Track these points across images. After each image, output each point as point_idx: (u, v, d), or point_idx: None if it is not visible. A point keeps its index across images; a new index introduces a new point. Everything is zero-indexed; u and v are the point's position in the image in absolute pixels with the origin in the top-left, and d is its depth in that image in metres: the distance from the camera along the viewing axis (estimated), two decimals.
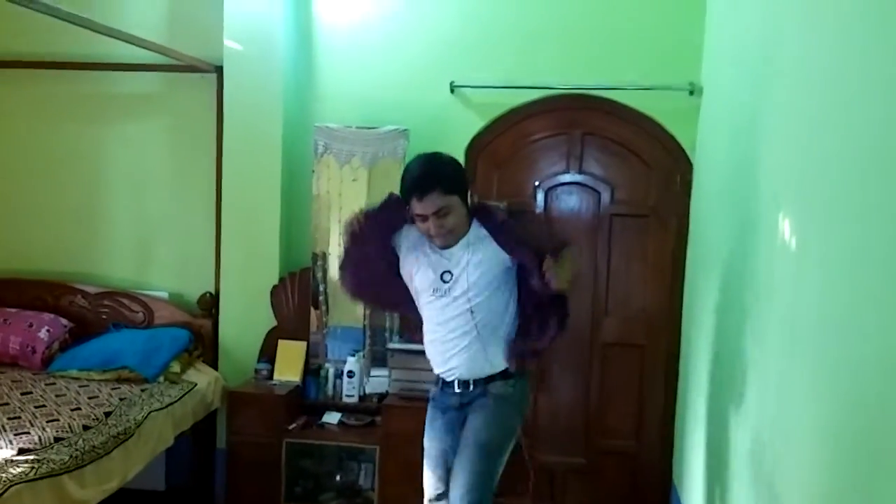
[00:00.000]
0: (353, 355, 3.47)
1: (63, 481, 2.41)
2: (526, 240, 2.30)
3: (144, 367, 3.33)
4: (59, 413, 2.83)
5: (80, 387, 3.19)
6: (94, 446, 2.62)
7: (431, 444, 2.46)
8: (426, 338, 2.44)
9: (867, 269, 1.30)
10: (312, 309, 3.55)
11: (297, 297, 3.56)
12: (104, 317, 3.72)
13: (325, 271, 3.54)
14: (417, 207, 2.23)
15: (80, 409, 2.90)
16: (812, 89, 1.70)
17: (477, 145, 3.52)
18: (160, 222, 3.82)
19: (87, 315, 3.73)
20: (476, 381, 2.35)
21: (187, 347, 3.53)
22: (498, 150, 3.54)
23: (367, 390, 3.49)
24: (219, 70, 3.57)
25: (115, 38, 2.97)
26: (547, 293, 2.22)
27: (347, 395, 3.48)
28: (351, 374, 3.46)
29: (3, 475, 2.24)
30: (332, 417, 3.46)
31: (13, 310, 3.64)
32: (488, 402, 2.34)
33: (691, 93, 3.26)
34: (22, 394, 3.05)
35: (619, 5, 3.39)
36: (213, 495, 3.64)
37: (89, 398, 3.04)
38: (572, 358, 3.52)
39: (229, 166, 3.57)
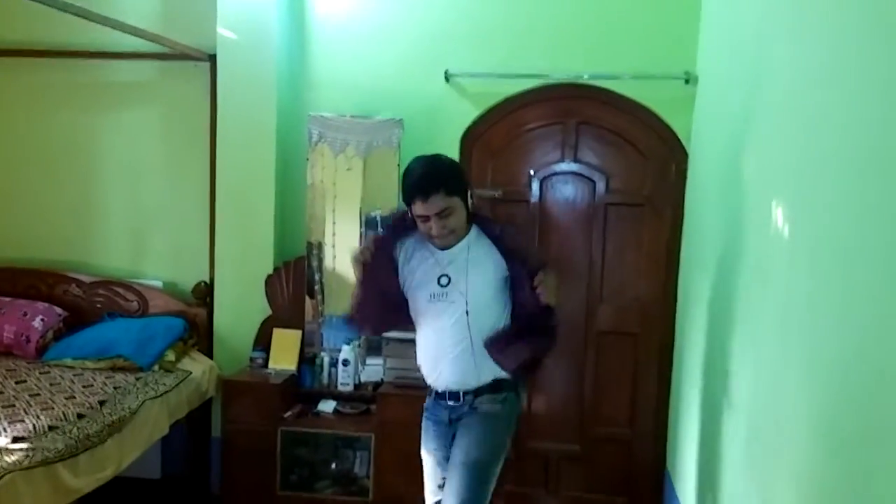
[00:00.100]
0: (349, 344, 3.48)
1: (57, 469, 2.42)
2: (519, 250, 2.30)
3: (139, 356, 3.33)
4: (53, 401, 2.83)
5: (74, 375, 3.19)
6: (88, 435, 2.62)
7: (428, 454, 2.47)
8: (419, 345, 2.43)
9: (857, 258, 1.31)
10: (307, 298, 3.55)
11: (291, 285, 3.56)
12: (99, 306, 3.72)
13: (320, 260, 3.54)
14: (420, 208, 2.22)
15: (74, 397, 2.90)
16: (807, 78, 1.70)
17: (472, 134, 3.51)
18: (154, 211, 3.81)
19: (81, 304, 3.72)
20: (465, 394, 2.33)
21: (182, 336, 3.53)
22: (493, 139, 3.53)
23: (363, 379, 3.50)
24: (212, 58, 3.55)
25: (108, 26, 2.96)
26: (536, 306, 2.22)
27: (342, 384, 3.49)
28: (346, 362, 3.47)
29: None
30: (327, 406, 3.47)
31: (7, 298, 3.63)
32: (476, 420, 2.32)
33: (686, 81, 3.26)
34: (16, 382, 3.06)
35: None
36: (208, 483, 3.65)
37: (84, 387, 3.05)
38: (567, 346, 3.52)
39: (223, 155, 3.56)
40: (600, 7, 3.38)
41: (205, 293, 3.66)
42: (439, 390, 2.39)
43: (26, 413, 2.68)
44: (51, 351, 3.44)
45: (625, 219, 3.48)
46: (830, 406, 1.40)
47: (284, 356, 3.53)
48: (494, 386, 2.33)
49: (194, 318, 3.64)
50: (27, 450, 2.38)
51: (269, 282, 3.58)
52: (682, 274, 3.38)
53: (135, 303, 3.70)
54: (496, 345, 2.28)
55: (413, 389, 3.27)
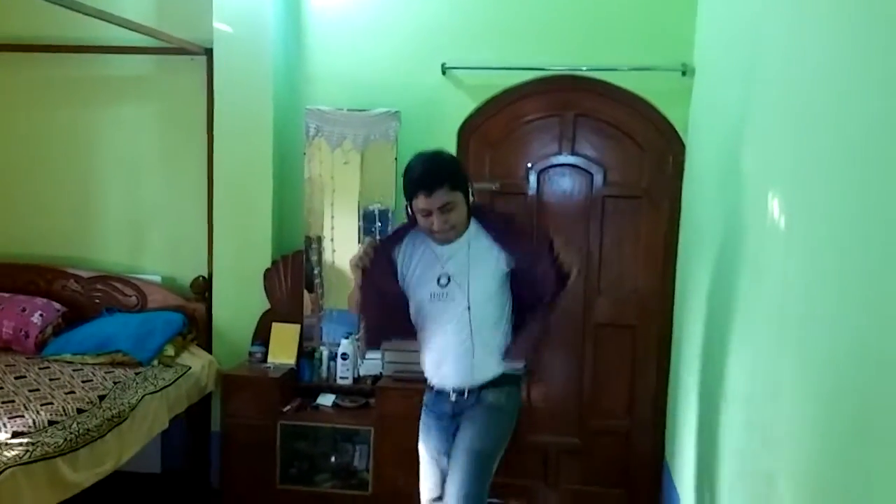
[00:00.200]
0: (347, 338, 3.48)
1: (57, 464, 2.42)
2: (525, 231, 2.34)
3: (138, 351, 3.34)
4: (53, 397, 2.84)
5: (73, 371, 3.19)
6: (88, 429, 2.63)
7: (427, 448, 2.48)
8: (422, 345, 2.44)
9: (854, 249, 1.31)
10: (306, 292, 3.55)
11: (290, 280, 3.56)
12: (97, 301, 3.72)
13: (319, 254, 3.54)
14: (423, 203, 2.23)
15: (74, 392, 2.91)
16: (804, 70, 1.70)
17: (469, 127, 3.51)
18: (152, 206, 3.81)
19: (80, 299, 3.73)
20: (470, 390, 2.35)
21: (181, 331, 3.54)
22: (490, 131, 3.53)
23: (361, 372, 3.50)
24: (209, 52, 3.54)
25: (104, 20, 2.95)
26: (556, 279, 2.25)
27: (341, 378, 3.49)
28: (345, 356, 3.47)
29: None
30: (326, 399, 3.48)
31: (6, 294, 3.64)
32: (481, 411, 2.34)
33: (683, 73, 3.25)
34: (16, 378, 3.06)
35: None
36: (208, 477, 3.66)
37: (83, 382, 3.05)
38: (565, 338, 3.54)
39: (221, 149, 3.56)
40: None
41: (203, 288, 3.66)
42: (443, 389, 2.39)
43: (26, 408, 2.69)
44: (50, 346, 3.44)
45: (622, 211, 3.48)
46: (825, 397, 1.41)
47: (283, 350, 3.53)
48: (498, 380, 2.35)
49: (193, 313, 3.65)
50: (27, 444, 2.38)
51: (268, 276, 3.58)
52: (680, 266, 3.38)
53: (133, 298, 3.70)
54: (511, 353, 2.34)
55: (412, 383, 3.27)
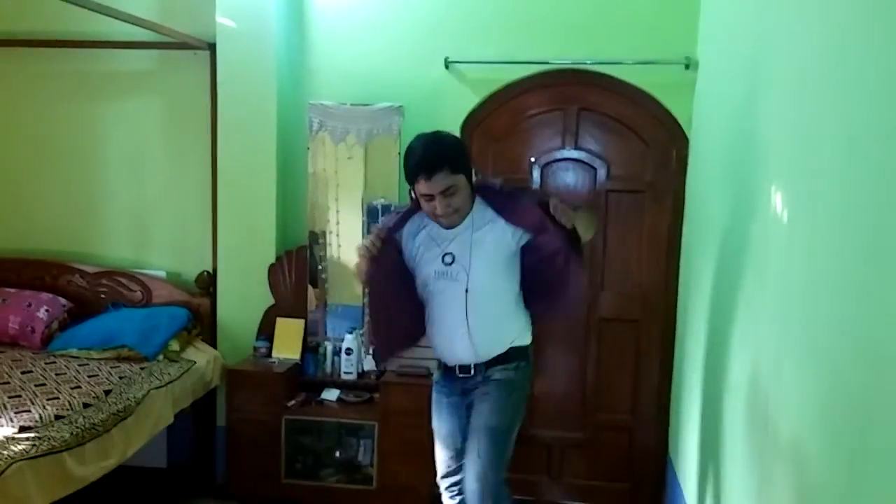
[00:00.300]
0: (352, 332, 3.49)
1: (63, 458, 2.44)
2: (534, 198, 2.31)
3: (143, 346, 3.35)
4: (59, 391, 2.85)
5: (79, 365, 3.21)
6: (94, 424, 2.64)
7: (440, 424, 2.51)
8: (429, 321, 2.44)
9: (856, 244, 1.31)
10: (310, 287, 3.56)
11: (294, 275, 3.57)
12: (103, 296, 3.73)
13: (323, 249, 3.54)
14: (424, 187, 2.22)
15: (80, 387, 2.92)
16: (808, 63, 1.70)
17: (472, 121, 3.51)
18: (157, 201, 3.82)
19: (85, 294, 3.74)
20: (477, 367, 2.36)
21: (186, 326, 3.55)
22: (494, 125, 3.52)
23: (366, 367, 3.51)
24: (212, 47, 3.55)
25: (107, 15, 2.95)
26: (565, 237, 2.21)
27: (346, 372, 3.50)
28: (349, 351, 3.48)
29: (5, 452, 2.27)
30: (330, 394, 3.49)
31: (12, 290, 3.65)
32: (492, 388, 2.36)
33: (687, 67, 3.24)
34: (22, 373, 3.08)
35: None
36: (213, 472, 3.68)
37: (89, 376, 3.07)
38: (569, 333, 3.54)
39: (224, 144, 3.57)
40: None
41: (208, 283, 3.67)
42: (449, 365, 2.42)
43: (32, 403, 2.71)
44: (56, 341, 3.46)
45: (626, 205, 3.48)
46: (827, 392, 1.41)
47: (288, 345, 3.55)
48: (505, 357, 2.36)
49: (198, 308, 3.66)
50: (34, 439, 2.40)
51: (272, 271, 3.59)
52: (684, 260, 3.38)
53: (138, 293, 3.72)
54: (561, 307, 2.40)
55: (416, 378, 3.30)
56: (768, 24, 2.08)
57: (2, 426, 2.47)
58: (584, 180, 3.49)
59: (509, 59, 3.38)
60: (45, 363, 3.23)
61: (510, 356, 2.37)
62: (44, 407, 2.67)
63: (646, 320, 3.52)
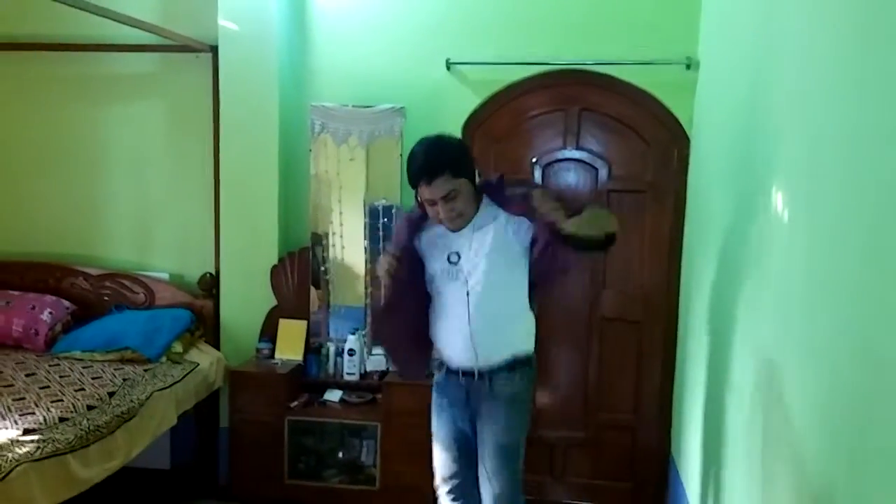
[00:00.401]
0: (354, 333, 3.50)
1: (68, 460, 2.45)
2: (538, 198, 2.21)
3: (147, 348, 3.36)
4: (63, 393, 2.86)
5: (83, 367, 3.22)
6: (98, 426, 2.65)
7: (440, 428, 2.47)
8: (432, 321, 2.42)
9: (856, 244, 1.31)
10: (313, 288, 3.57)
11: (296, 276, 3.58)
12: (106, 298, 3.74)
13: (326, 251, 3.55)
14: (426, 193, 2.21)
15: (83, 389, 2.93)
16: (809, 62, 1.70)
17: (474, 122, 3.51)
18: (159, 203, 3.83)
19: (88, 297, 3.75)
20: (482, 373, 2.32)
21: (189, 328, 3.56)
22: (495, 126, 3.53)
23: (368, 368, 3.52)
24: (214, 50, 3.56)
25: (109, 18, 2.97)
26: (546, 233, 2.14)
27: (348, 373, 3.51)
28: (352, 352, 3.49)
29: (10, 455, 2.28)
30: (333, 395, 3.50)
31: (16, 292, 3.66)
32: (499, 404, 2.33)
33: (688, 67, 3.25)
34: (26, 375, 3.09)
35: None
36: (217, 473, 3.69)
37: (93, 378, 3.08)
38: (571, 333, 3.54)
39: (227, 146, 3.58)
40: None
41: (211, 285, 3.68)
42: (452, 367, 2.39)
43: (37, 405, 2.72)
44: (59, 343, 3.47)
45: (627, 205, 3.48)
46: (829, 392, 1.41)
47: (290, 346, 3.55)
48: (510, 365, 2.33)
49: (201, 310, 3.67)
50: (38, 441, 2.41)
51: (275, 273, 3.59)
52: (685, 260, 3.38)
53: (141, 295, 3.73)
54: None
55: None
56: (769, 24, 2.08)
57: (6, 428, 2.48)
58: (586, 180, 3.50)
59: (510, 59, 3.39)
60: (49, 365, 3.24)
61: (515, 365, 2.34)
62: (48, 409, 2.68)
63: (648, 320, 3.52)
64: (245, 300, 3.64)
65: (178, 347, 3.45)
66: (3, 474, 2.20)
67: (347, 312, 3.58)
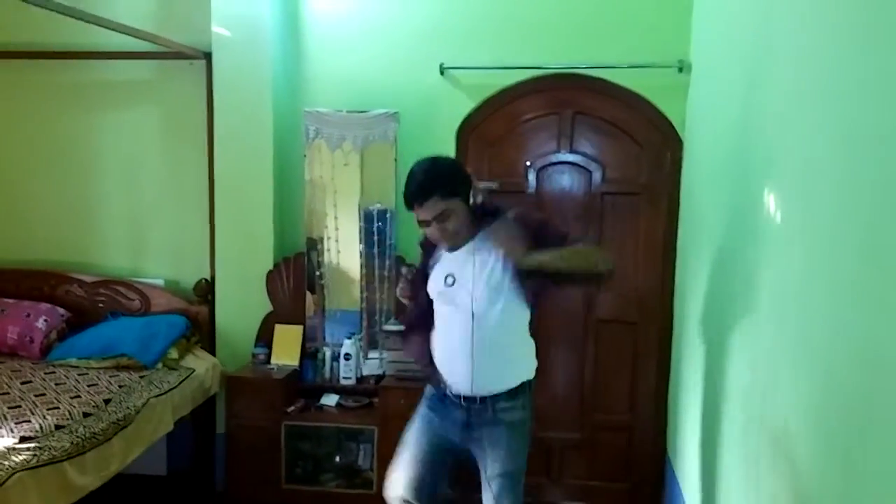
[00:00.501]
0: (350, 338, 3.50)
1: (64, 468, 2.45)
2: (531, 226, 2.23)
3: (142, 354, 3.36)
4: (59, 401, 2.86)
5: (79, 375, 3.22)
6: (94, 433, 2.65)
7: (417, 443, 2.41)
8: (434, 345, 2.40)
9: (850, 245, 1.33)
10: (308, 293, 3.57)
11: (292, 281, 3.58)
12: (101, 305, 3.74)
13: (321, 256, 3.56)
14: (420, 214, 2.22)
15: (79, 396, 2.93)
16: (801, 64, 1.72)
17: (468, 126, 3.53)
18: (154, 210, 3.83)
19: (83, 304, 3.75)
20: (481, 399, 2.29)
21: (185, 334, 3.56)
22: (489, 130, 3.54)
23: (364, 372, 3.53)
24: (208, 56, 3.56)
25: (103, 26, 2.97)
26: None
27: (345, 378, 3.51)
28: (348, 356, 3.49)
29: (6, 463, 2.28)
30: (329, 399, 3.50)
31: (10, 300, 3.66)
32: (501, 433, 2.31)
33: (680, 70, 3.27)
34: (22, 383, 3.08)
35: None
36: (213, 479, 3.69)
37: (89, 386, 3.07)
38: (567, 335, 3.56)
39: (221, 152, 3.58)
40: None
41: (206, 290, 3.68)
42: (452, 393, 2.35)
43: (32, 413, 2.71)
44: (55, 351, 3.46)
45: (621, 208, 3.50)
46: (823, 391, 1.42)
47: (286, 351, 3.56)
48: (511, 392, 2.31)
49: (196, 316, 3.67)
50: (34, 449, 2.41)
51: (270, 278, 3.60)
52: (680, 262, 3.40)
53: (137, 301, 3.72)
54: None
55: (414, 381, 3.29)
56: (761, 27, 2.10)
57: (2, 437, 2.47)
58: (580, 183, 3.51)
59: (504, 64, 3.40)
60: (45, 373, 3.23)
61: (518, 391, 2.32)
62: (44, 417, 2.67)
63: (643, 322, 3.54)
64: (241, 305, 3.64)
65: (173, 354, 3.45)
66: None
67: (343, 317, 3.58)
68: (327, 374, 3.57)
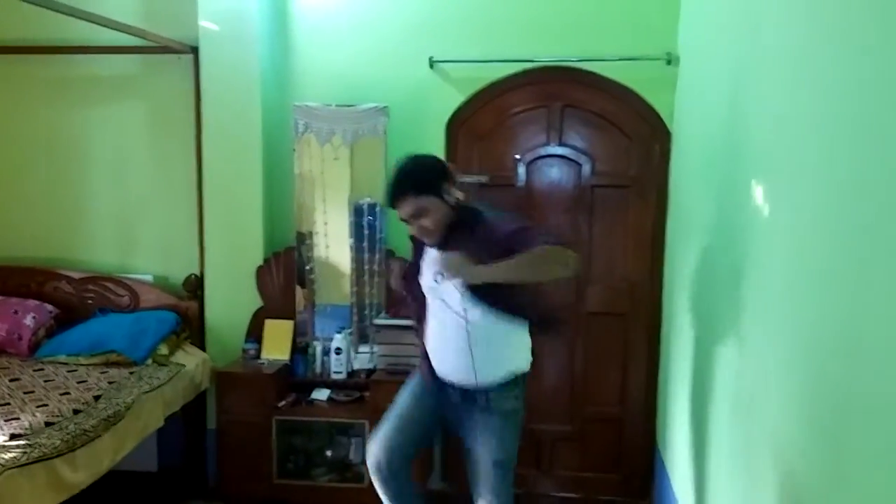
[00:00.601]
0: (340, 332, 3.50)
1: (55, 465, 2.44)
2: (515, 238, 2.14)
3: (132, 351, 3.34)
4: (48, 398, 2.84)
5: (68, 372, 3.20)
6: (84, 430, 2.63)
7: (412, 407, 2.49)
8: (425, 337, 2.45)
9: (836, 237, 1.34)
10: (298, 287, 3.57)
11: (282, 276, 3.58)
12: (90, 302, 3.72)
13: (311, 250, 3.55)
14: (398, 212, 2.26)
15: (69, 393, 2.92)
16: (788, 56, 1.72)
17: (457, 120, 3.52)
18: (142, 205, 3.81)
19: (72, 300, 3.73)
20: (477, 390, 2.33)
21: (174, 329, 3.55)
22: (478, 124, 3.54)
23: (355, 366, 3.53)
24: (195, 51, 3.54)
25: (90, 21, 2.95)
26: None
27: (335, 372, 3.52)
28: (338, 350, 3.49)
29: None
30: (320, 394, 3.50)
31: None
32: (495, 421, 2.34)
33: (668, 62, 3.28)
34: (10, 380, 3.06)
35: None
36: (205, 474, 3.68)
37: (78, 382, 3.06)
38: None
39: (209, 147, 3.56)
40: None
41: (195, 286, 3.67)
42: (445, 381, 2.40)
43: (22, 410, 2.70)
44: (44, 348, 3.44)
45: (611, 200, 3.51)
46: (810, 383, 1.44)
47: (277, 346, 3.55)
48: (505, 383, 2.34)
49: (186, 312, 3.66)
50: (24, 447, 2.39)
51: (260, 273, 3.59)
52: (668, 254, 3.42)
53: (126, 297, 3.71)
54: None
55: (405, 375, 3.29)
56: (748, 19, 2.11)
57: None
58: (569, 176, 3.52)
59: (493, 57, 3.40)
60: (34, 370, 3.22)
61: (512, 382, 2.35)
62: (33, 414, 2.66)
63: (632, 314, 3.56)
64: (230, 301, 3.63)
65: (163, 349, 3.44)
66: None
67: (333, 311, 3.58)
68: (318, 369, 3.57)
